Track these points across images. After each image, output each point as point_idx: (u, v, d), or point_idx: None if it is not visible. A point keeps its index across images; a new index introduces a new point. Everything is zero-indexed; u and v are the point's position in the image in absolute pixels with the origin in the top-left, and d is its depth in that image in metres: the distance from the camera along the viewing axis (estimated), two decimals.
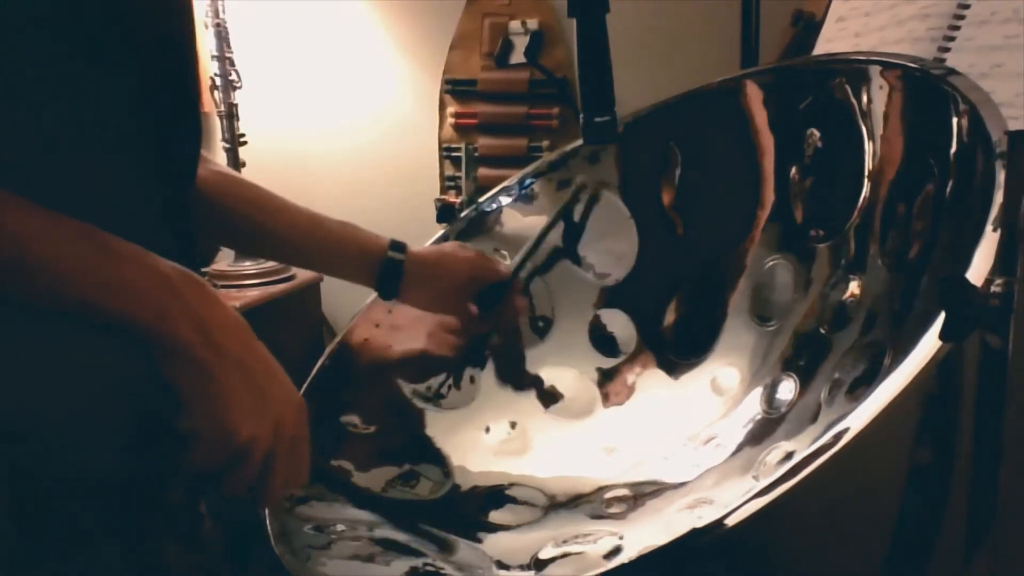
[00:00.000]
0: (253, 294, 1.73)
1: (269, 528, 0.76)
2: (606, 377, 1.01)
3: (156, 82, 0.60)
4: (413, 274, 0.92)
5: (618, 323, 1.03)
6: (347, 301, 0.97)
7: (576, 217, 1.05)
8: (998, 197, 0.61)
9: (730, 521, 0.53)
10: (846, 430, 0.53)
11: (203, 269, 1.53)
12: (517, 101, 1.98)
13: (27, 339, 0.53)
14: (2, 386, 0.52)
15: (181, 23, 0.63)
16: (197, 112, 0.68)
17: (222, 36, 1.74)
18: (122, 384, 0.56)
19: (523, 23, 1.94)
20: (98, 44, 0.55)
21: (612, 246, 1.05)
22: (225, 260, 1.85)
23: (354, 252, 0.91)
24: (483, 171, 1.83)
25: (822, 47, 1.05)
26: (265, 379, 0.59)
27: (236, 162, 1.79)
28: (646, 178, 1.04)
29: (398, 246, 0.92)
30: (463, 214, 1.10)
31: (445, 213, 1.14)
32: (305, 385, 0.93)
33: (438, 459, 0.94)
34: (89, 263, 0.53)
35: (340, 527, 0.81)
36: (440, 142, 2.05)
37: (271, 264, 1.80)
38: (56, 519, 0.56)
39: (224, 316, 0.58)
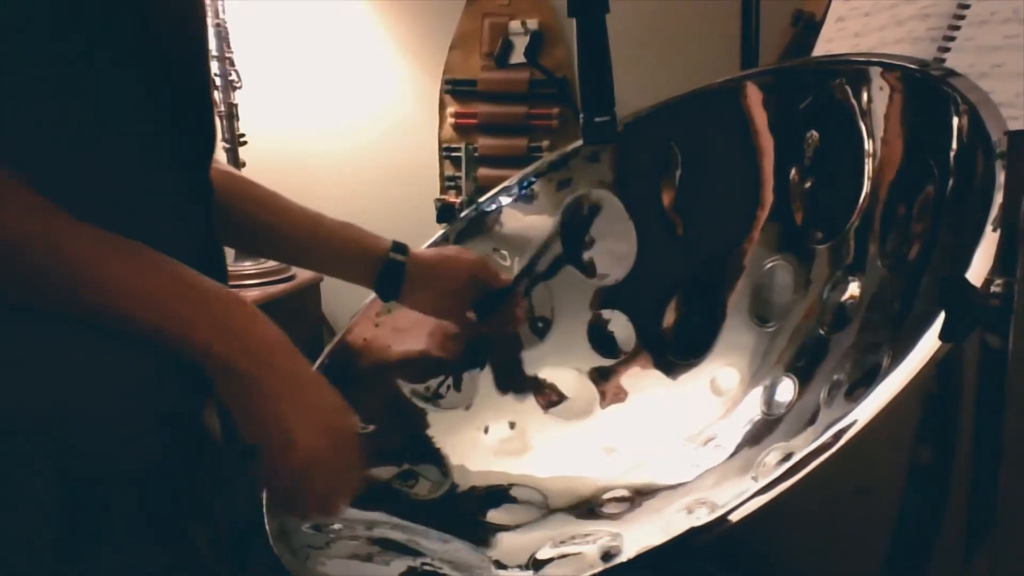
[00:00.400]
0: (253, 294, 1.73)
1: (268, 527, 0.75)
2: (605, 377, 1.01)
3: (173, 71, 0.61)
4: (414, 275, 0.92)
5: (617, 323, 1.03)
6: (347, 301, 0.97)
7: (577, 226, 1.05)
8: (998, 197, 0.61)
9: (728, 521, 0.53)
10: (846, 430, 0.53)
11: None
12: (517, 101, 1.98)
13: (61, 336, 0.54)
14: (40, 382, 0.54)
15: (195, 15, 0.64)
16: (210, 99, 0.68)
17: (222, 36, 1.74)
18: (152, 376, 0.58)
19: (523, 23, 1.94)
20: (120, 36, 0.56)
21: (612, 246, 1.05)
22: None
23: (355, 252, 0.91)
24: (483, 171, 1.83)
25: (822, 47, 1.05)
26: (314, 391, 0.61)
27: (236, 162, 1.79)
28: (646, 178, 1.04)
29: (399, 247, 0.92)
30: (463, 214, 1.10)
31: (445, 213, 1.14)
32: None
33: (437, 459, 0.94)
34: (139, 286, 0.55)
35: (338, 526, 0.81)
36: (440, 142, 2.05)
37: (271, 264, 1.79)
38: (95, 508, 0.57)
39: (269, 333, 0.60)
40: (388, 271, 0.91)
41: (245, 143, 1.81)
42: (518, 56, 1.92)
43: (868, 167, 0.84)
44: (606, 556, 0.79)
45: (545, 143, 1.97)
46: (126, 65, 0.56)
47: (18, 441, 0.53)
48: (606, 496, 0.89)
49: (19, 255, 0.51)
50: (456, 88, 2.01)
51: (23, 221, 0.51)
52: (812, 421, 0.76)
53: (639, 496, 0.87)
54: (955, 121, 0.72)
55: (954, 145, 0.72)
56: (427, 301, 0.94)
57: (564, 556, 0.80)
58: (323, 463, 0.61)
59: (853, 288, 0.83)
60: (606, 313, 1.04)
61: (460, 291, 0.95)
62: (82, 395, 0.55)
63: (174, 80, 0.61)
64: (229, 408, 0.60)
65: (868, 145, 0.84)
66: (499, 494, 0.92)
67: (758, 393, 0.88)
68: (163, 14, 0.59)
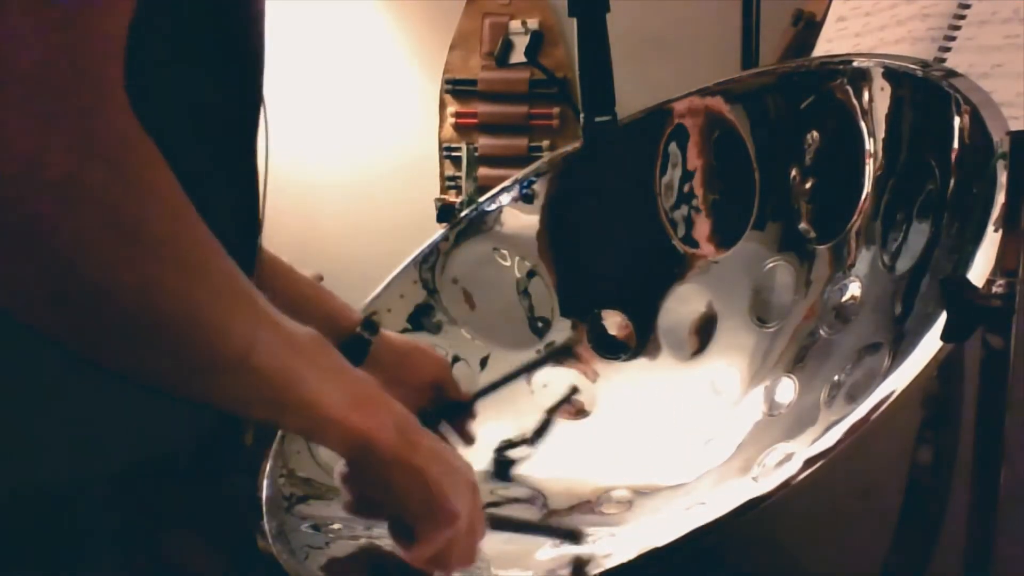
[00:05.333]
0: None
1: (267, 527, 0.75)
2: (605, 378, 1.01)
3: (240, 85, 0.61)
4: (378, 358, 0.87)
5: (617, 324, 1.03)
6: (347, 301, 0.96)
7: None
8: (1000, 197, 0.61)
9: (728, 522, 0.53)
10: (847, 431, 0.53)
11: None
12: (517, 101, 1.98)
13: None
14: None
15: (260, 32, 0.64)
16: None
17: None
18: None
19: (523, 23, 1.94)
20: (203, 50, 0.55)
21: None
22: None
23: (319, 315, 0.85)
24: (483, 171, 1.83)
25: (822, 47, 1.06)
26: (448, 455, 0.62)
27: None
28: (645, 178, 1.04)
29: (370, 325, 0.88)
30: (463, 214, 1.10)
31: (445, 213, 1.14)
32: None
33: None
34: (305, 373, 0.52)
35: (337, 526, 0.81)
36: (440, 142, 2.05)
37: None
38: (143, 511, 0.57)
39: (403, 409, 0.59)
40: (352, 345, 0.86)
41: None
42: (518, 56, 1.92)
43: (869, 167, 0.84)
44: (605, 557, 0.79)
45: (545, 143, 1.97)
46: (206, 74, 0.55)
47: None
48: (606, 496, 0.89)
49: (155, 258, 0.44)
50: (456, 88, 2.01)
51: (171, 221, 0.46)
52: (813, 422, 0.76)
53: (639, 496, 0.87)
54: (956, 121, 0.72)
55: (955, 145, 0.72)
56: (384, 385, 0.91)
57: (564, 556, 0.80)
58: (476, 520, 0.62)
59: (854, 288, 0.83)
60: (606, 313, 1.04)
61: (418, 391, 0.90)
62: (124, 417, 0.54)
63: (239, 91, 0.61)
64: (364, 488, 0.60)
65: (869, 145, 0.84)
66: (499, 494, 0.91)
67: (758, 393, 0.88)
68: (238, 32, 0.58)
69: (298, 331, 0.53)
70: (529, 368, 1.02)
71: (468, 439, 0.94)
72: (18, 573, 0.53)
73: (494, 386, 0.98)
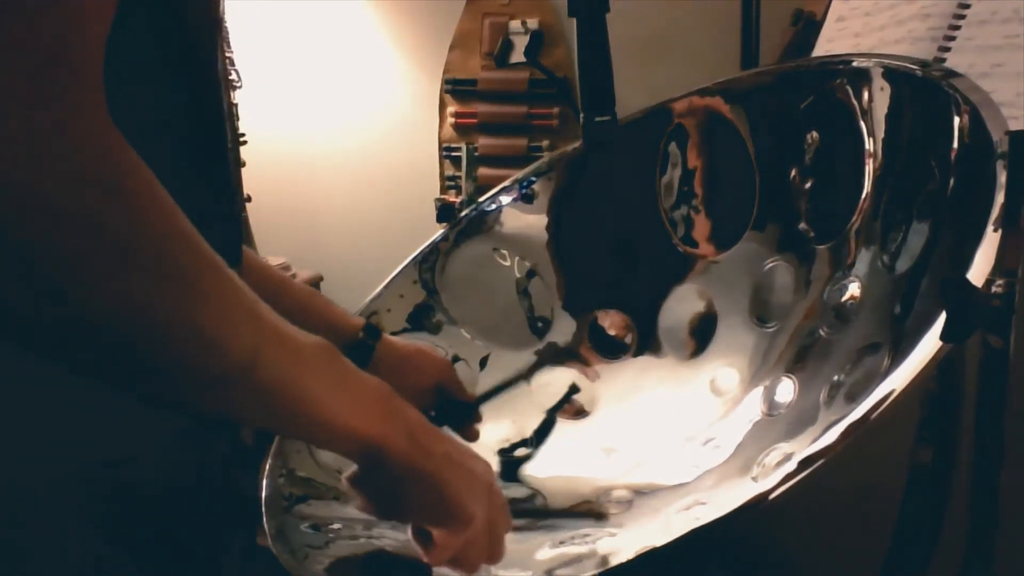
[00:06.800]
0: None
1: (267, 527, 0.75)
2: (605, 378, 1.01)
3: (201, 94, 0.62)
4: (381, 362, 0.86)
5: (617, 324, 1.03)
6: (346, 302, 0.96)
7: None
8: (999, 197, 0.61)
9: (729, 522, 0.53)
10: (846, 430, 0.53)
11: None
12: (517, 101, 1.98)
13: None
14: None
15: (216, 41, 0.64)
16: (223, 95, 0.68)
17: (222, 36, 1.74)
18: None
19: (523, 23, 1.94)
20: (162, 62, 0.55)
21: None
22: None
23: (319, 324, 0.83)
24: (483, 171, 1.83)
25: (822, 47, 1.05)
26: (463, 457, 0.62)
27: (236, 162, 1.79)
28: (646, 178, 1.04)
29: (373, 331, 0.88)
30: (463, 214, 1.10)
31: (445, 213, 1.14)
32: None
33: None
34: (312, 383, 0.52)
35: (337, 526, 0.81)
36: (440, 142, 2.05)
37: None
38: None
39: (416, 414, 0.60)
40: (354, 352, 0.85)
41: (245, 143, 1.81)
42: (518, 56, 1.92)
43: (869, 167, 0.84)
44: (605, 557, 0.79)
45: (545, 143, 1.97)
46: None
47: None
48: (606, 496, 0.89)
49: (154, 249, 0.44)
50: (456, 88, 2.01)
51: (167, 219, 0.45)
52: (812, 421, 0.76)
53: (639, 496, 0.87)
54: (956, 121, 0.72)
55: (955, 145, 0.72)
56: None
57: (564, 556, 0.80)
58: (496, 518, 0.62)
59: (853, 288, 0.83)
60: (606, 313, 1.04)
61: (422, 393, 0.90)
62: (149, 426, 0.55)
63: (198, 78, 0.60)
64: (377, 493, 0.60)
65: (869, 145, 0.84)
66: None
67: (758, 393, 0.88)
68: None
69: (305, 341, 0.53)
70: (531, 369, 1.02)
71: (472, 440, 0.94)
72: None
73: (498, 389, 0.98)
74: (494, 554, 0.64)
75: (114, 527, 0.56)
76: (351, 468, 0.60)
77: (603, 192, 1.06)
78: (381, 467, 0.57)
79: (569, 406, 1.00)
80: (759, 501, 0.53)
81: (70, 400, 0.51)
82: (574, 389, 1.01)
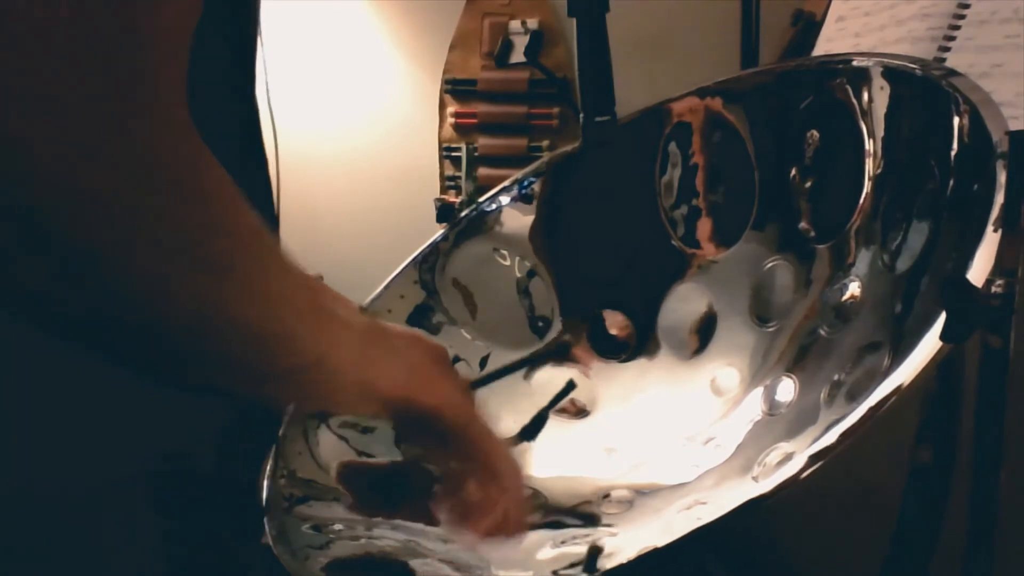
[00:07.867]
0: None
1: (268, 527, 0.75)
2: (605, 377, 1.01)
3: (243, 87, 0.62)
4: None
5: (617, 323, 1.03)
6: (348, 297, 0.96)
7: None
8: (999, 197, 0.61)
9: (728, 521, 0.53)
10: (845, 431, 0.53)
11: None
12: (517, 101, 1.98)
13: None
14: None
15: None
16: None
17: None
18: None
19: (523, 23, 1.94)
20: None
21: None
22: None
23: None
24: (483, 171, 1.83)
25: (822, 47, 1.06)
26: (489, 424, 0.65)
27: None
28: (645, 178, 1.04)
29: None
30: (463, 214, 1.10)
31: (445, 213, 1.14)
32: None
33: None
34: (376, 364, 0.56)
35: (338, 526, 0.81)
36: (440, 142, 2.05)
37: None
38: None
39: (461, 379, 0.65)
40: None
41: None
42: (518, 56, 1.92)
43: (868, 167, 0.84)
44: (606, 556, 0.79)
45: (545, 143, 1.97)
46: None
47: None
48: (606, 496, 0.89)
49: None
50: (456, 88, 2.01)
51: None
52: (813, 421, 0.76)
53: (640, 496, 0.87)
54: (956, 121, 0.72)
55: (955, 145, 0.72)
56: None
57: (564, 556, 0.80)
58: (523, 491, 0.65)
59: (854, 288, 0.83)
60: (606, 313, 1.04)
61: None
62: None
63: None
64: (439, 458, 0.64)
65: (868, 145, 0.84)
66: None
67: (758, 393, 0.88)
68: None
69: (360, 320, 0.56)
70: (527, 364, 1.02)
71: None
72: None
73: (491, 377, 0.98)
74: (514, 528, 0.65)
75: (169, 517, 0.58)
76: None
77: (603, 192, 1.06)
78: (436, 430, 0.60)
79: (569, 406, 1.00)
80: (760, 501, 0.54)
81: (133, 395, 0.51)
82: (573, 387, 1.01)
